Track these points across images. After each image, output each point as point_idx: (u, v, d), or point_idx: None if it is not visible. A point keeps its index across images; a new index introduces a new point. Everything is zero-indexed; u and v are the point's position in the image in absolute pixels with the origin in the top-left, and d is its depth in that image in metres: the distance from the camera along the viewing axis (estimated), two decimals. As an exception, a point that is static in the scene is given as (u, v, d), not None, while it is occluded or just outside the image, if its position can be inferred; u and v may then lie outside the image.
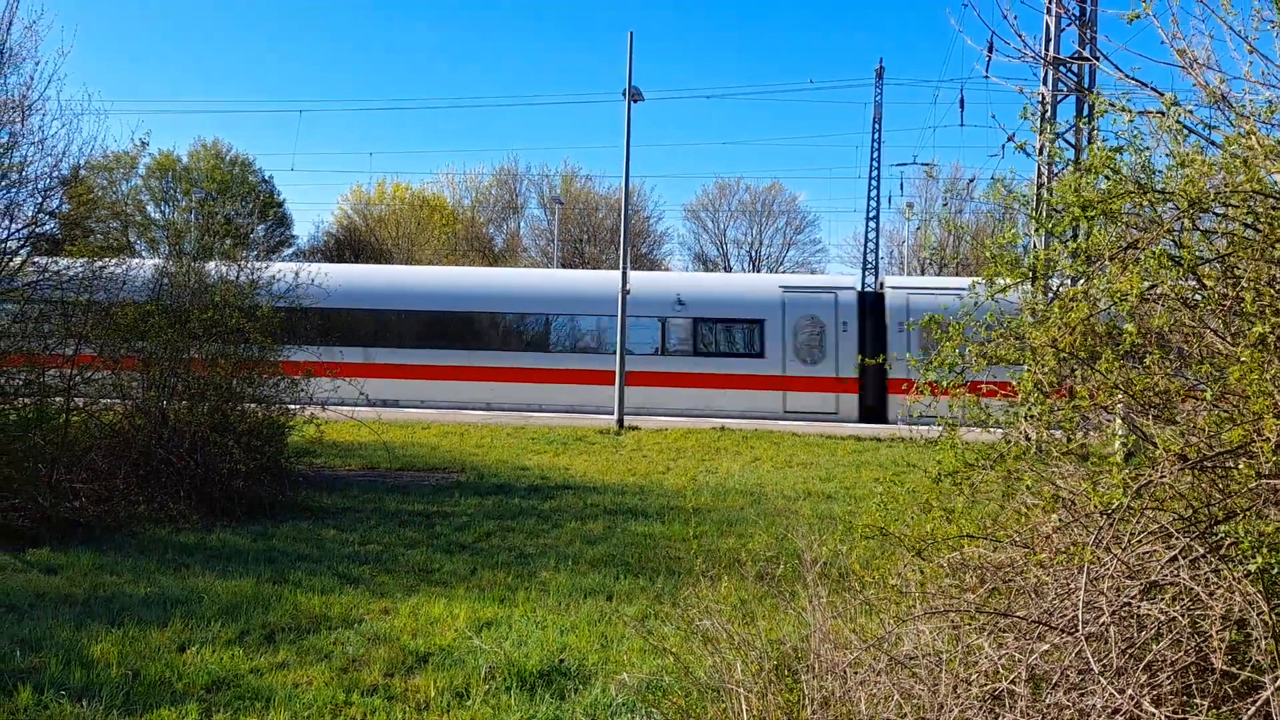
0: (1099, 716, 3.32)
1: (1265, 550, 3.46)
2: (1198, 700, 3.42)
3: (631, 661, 6.16)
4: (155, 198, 53.44)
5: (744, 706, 4.61)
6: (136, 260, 13.77)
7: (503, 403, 23.00)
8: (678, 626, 6.73)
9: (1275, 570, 3.48)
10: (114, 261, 12.37)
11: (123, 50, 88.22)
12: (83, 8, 71.12)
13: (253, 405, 11.60)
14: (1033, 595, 4.07)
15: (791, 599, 5.71)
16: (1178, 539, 3.64)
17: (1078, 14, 15.50)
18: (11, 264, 11.45)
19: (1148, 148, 4.98)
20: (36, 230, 12.31)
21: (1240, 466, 3.73)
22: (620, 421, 20.03)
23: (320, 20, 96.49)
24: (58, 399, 10.55)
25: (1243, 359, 3.78)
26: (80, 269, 11.70)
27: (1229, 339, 4.19)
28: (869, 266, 57.18)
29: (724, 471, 14.44)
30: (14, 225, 11.88)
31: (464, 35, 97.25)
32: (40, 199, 11.95)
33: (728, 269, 60.00)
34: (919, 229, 51.49)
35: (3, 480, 9.34)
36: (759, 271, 57.96)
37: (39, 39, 11.43)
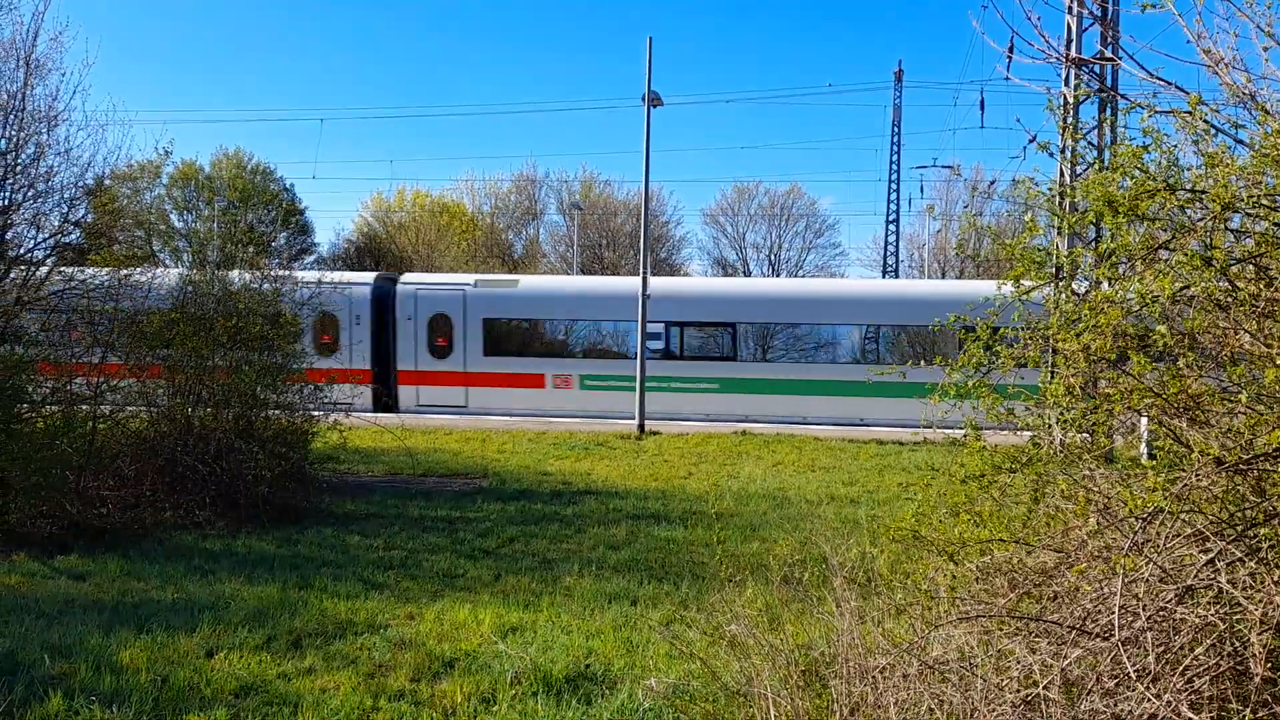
0: (1135, 722, 3.28)
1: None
2: (1235, 706, 3.37)
3: (658, 666, 6.14)
4: (179, 207, 53.80)
5: (772, 712, 4.59)
6: (161, 269, 13.89)
7: None
8: (703, 631, 6.72)
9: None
10: (138, 270, 12.48)
11: (146, 60, 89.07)
12: (105, 18, 71.90)
13: (276, 411, 11.66)
14: (1066, 600, 4.03)
15: (818, 604, 5.68)
16: (1214, 542, 3.60)
17: (1100, 14, 15.39)
18: (38, 273, 11.56)
19: (1175, 145, 4.93)
20: (62, 240, 12.46)
21: (1279, 469, 3.68)
22: (641, 426, 20.01)
23: (340, 29, 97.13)
24: (84, 407, 10.64)
25: (1279, 362, 3.73)
26: (105, 278, 11.81)
27: (1264, 341, 4.13)
28: (889, 269, 56.96)
29: (746, 476, 14.40)
30: (40, 235, 12.03)
31: (482, 42, 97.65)
32: (66, 209, 12.10)
33: (748, 273, 59.85)
34: (939, 231, 51.22)
35: (31, 488, 9.42)
36: (779, 275, 57.78)
37: (64, 50, 11.56)
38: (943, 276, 51.33)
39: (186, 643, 6.53)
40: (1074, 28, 15.42)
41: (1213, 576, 3.49)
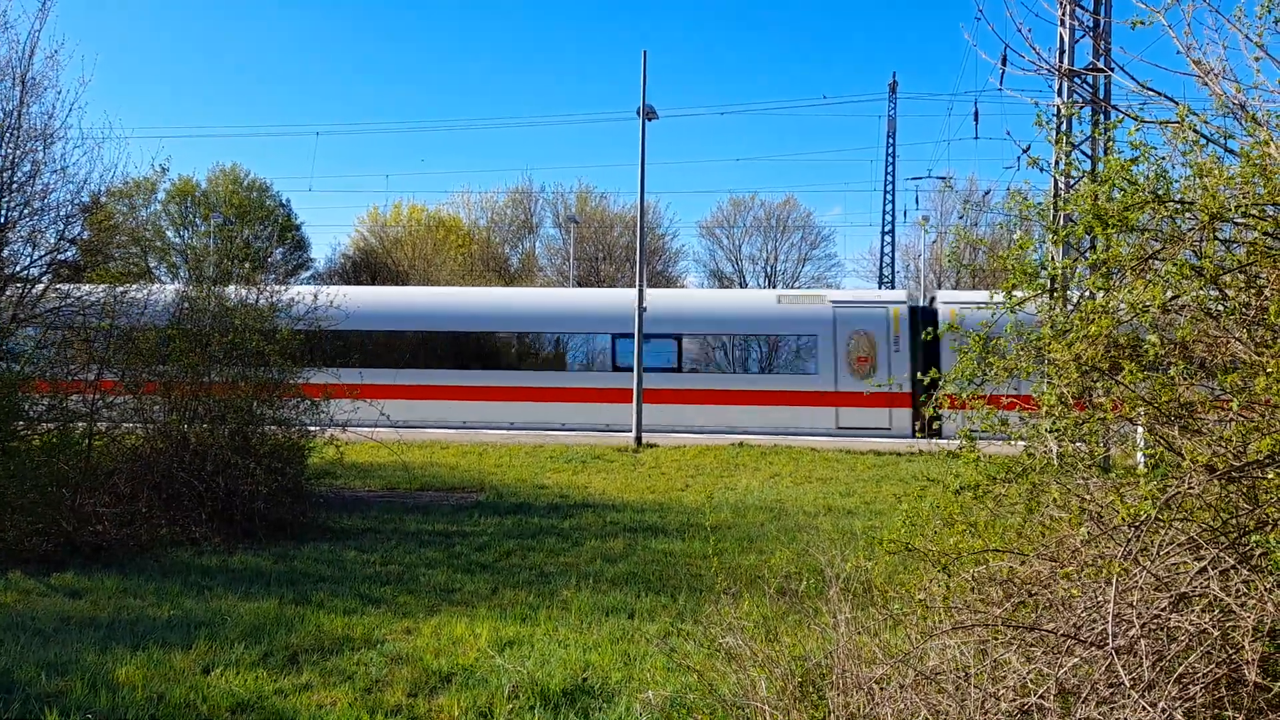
0: (1130, 731, 3.28)
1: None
2: (1230, 713, 3.38)
3: (655, 679, 6.13)
4: (175, 223, 53.82)
5: (769, 724, 4.58)
6: (157, 286, 13.91)
7: None
8: (700, 644, 6.71)
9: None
10: (135, 287, 12.49)
11: (143, 77, 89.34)
12: (102, 36, 72.09)
13: (273, 427, 11.65)
14: (1060, 608, 4.04)
15: (814, 615, 5.68)
16: (1207, 550, 3.61)
17: (1091, 26, 15.48)
18: (34, 291, 11.59)
19: (1164, 157, 4.97)
20: (58, 257, 12.50)
21: (1270, 476, 3.69)
22: (638, 439, 20.02)
23: (336, 44, 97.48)
24: (81, 424, 10.63)
25: (1269, 369, 3.75)
26: (101, 295, 11.82)
27: (1254, 348, 4.16)
28: (885, 280, 57.09)
29: (743, 488, 14.40)
30: (36, 252, 12.09)
31: (478, 57, 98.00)
32: (62, 226, 12.16)
33: (743, 285, 59.93)
34: (934, 242, 51.41)
35: (27, 505, 9.39)
36: (774, 287, 57.87)
37: (60, 68, 11.64)
38: (939, 286, 51.41)
39: (183, 659, 6.51)
40: (1066, 39, 15.50)
41: (1206, 584, 3.50)
